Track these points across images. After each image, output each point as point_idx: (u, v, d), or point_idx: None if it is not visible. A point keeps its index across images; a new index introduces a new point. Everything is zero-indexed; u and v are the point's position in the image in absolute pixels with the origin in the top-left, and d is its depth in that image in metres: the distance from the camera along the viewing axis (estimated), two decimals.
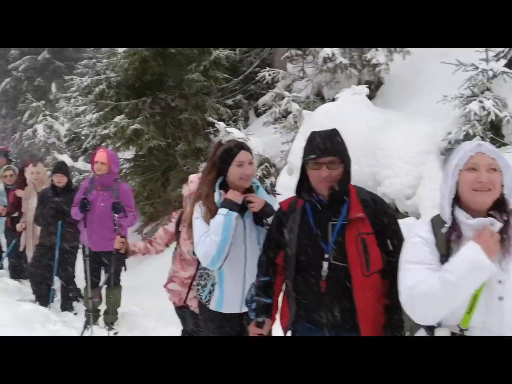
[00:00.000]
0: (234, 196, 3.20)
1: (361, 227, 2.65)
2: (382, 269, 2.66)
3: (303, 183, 2.78)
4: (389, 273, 2.60)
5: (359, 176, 6.09)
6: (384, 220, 2.74)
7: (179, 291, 4.25)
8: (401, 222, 5.54)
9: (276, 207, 3.24)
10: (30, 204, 7.34)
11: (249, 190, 3.35)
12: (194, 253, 3.55)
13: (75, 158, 12.99)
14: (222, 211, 3.15)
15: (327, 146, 2.70)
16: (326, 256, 2.64)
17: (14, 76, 24.36)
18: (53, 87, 21.39)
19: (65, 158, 11.76)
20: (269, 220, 3.22)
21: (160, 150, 9.57)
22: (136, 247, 4.52)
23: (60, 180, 6.63)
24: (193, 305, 3.94)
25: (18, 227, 7.55)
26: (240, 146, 3.31)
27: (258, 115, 10.66)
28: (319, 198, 2.72)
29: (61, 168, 6.82)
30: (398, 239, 2.71)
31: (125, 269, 6.19)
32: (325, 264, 2.63)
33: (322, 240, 2.68)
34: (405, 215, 5.79)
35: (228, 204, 3.16)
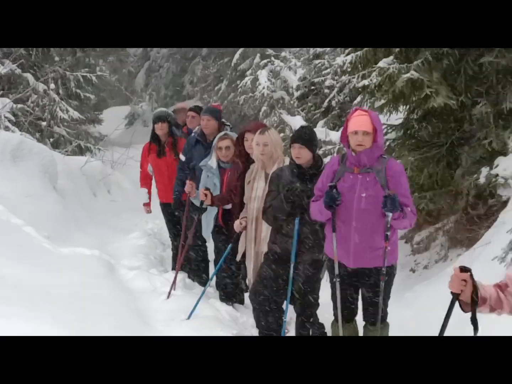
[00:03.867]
0: None
1: None
2: None
3: None
4: None
5: None
6: None
7: None
8: None
9: None
10: (254, 191, 3.98)
11: None
12: None
13: (312, 123, 8.26)
14: None
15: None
16: None
17: None
18: None
19: (299, 120, 7.28)
20: None
21: (449, 112, 5.00)
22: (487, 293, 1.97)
23: (303, 155, 3.52)
24: None
25: (237, 225, 4.18)
26: None
27: None
28: None
29: (308, 133, 3.65)
30: None
31: None
32: None
33: None
34: None
35: None
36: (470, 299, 1.98)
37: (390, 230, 3.12)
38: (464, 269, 2.00)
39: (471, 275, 2.00)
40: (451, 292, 2.08)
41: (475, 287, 1.96)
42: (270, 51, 10.81)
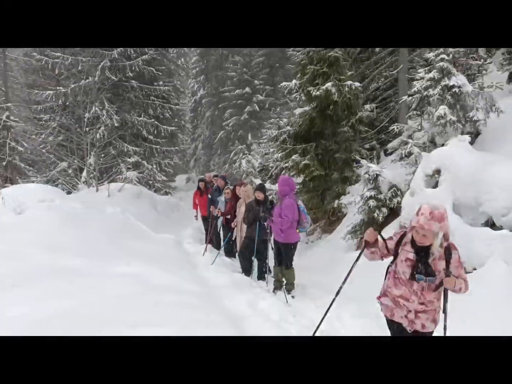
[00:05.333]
0: None
1: None
2: None
3: None
4: None
5: (466, 199, 6.02)
6: None
7: (391, 307, 3.22)
8: (497, 233, 5.38)
9: None
10: (241, 210, 7.86)
11: None
12: (410, 277, 3.01)
13: (264, 181, 13.75)
14: None
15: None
16: None
17: (226, 129, 26.17)
18: (249, 136, 22.68)
19: (258, 181, 12.60)
20: None
21: (320, 177, 9.86)
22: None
23: (260, 196, 6.86)
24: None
25: (232, 224, 8.11)
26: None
27: (386, 155, 10.52)
28: None
29: (261, 188, 7.06)
30: None
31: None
32: None
33: None
34: (500, 228, 5.63)
35: None
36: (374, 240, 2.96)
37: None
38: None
39: (379, 233, 3.14)
40: (365, 241, 2.96)
41: (379, 238, 3.12)
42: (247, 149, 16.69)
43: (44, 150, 12.93)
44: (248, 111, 24.84)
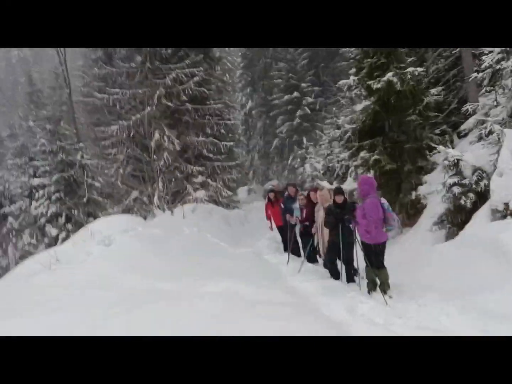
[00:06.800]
0: None
1: None
2: None
3: None
4: None
5: None
6: None
7: None
8: None
9: None
10: (319, 215, 7.78)
11: None
12: None
13: (330, 183, 13.51)
14: None
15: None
16: None
17: (279, 136, 26.17)
18: (304, 140, 22.53)
19: (324, 184, 12.42)
20: None
21: (392, 171, 9.53)
22: None
23: (339, 199, 6.72)
24: None
25: (313, 230, 7.99)
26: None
27: (460, 137, 9.99)
28: None
29: (340, 191, 6.90)
30: None
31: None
32: None
33: None
34: None
35: None
36: None
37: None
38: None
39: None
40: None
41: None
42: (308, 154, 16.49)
43: (118, 182, 13.61)
44: (300, 115, 24.65)
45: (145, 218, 12.73)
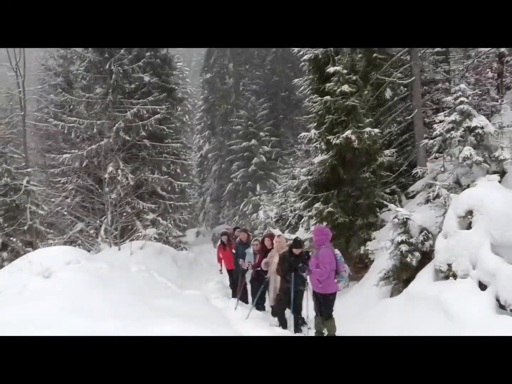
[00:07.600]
0: None
1: None
2: None
3: None
4: None
5: (504, 239, 5.96)
6: None
7: None
8: None
9: None
10: (273, 261, 7.64)
11: None
12: None
13: (282, 231, 13.63)
14: None
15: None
16: None
17: (234, 182, 26.40)
18: (258, 187, 22.83)
19: (276, 231, 12.49)
20: None
21: (345, 224, 9.76)
22: None
23: (297, 252, 6.73)
24: None
25: (265, 267, 7.86)
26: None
27: (408, 198, 10.50)
28: None
29: (299, 244, 6.88)
30: None
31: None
32: None
33: None
34: None
35: None
36: None
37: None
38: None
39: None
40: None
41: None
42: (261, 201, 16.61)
43: (64, 211, 13.01)
44: (255, 163, 25.14)
45: (89, 251, 12.15)
